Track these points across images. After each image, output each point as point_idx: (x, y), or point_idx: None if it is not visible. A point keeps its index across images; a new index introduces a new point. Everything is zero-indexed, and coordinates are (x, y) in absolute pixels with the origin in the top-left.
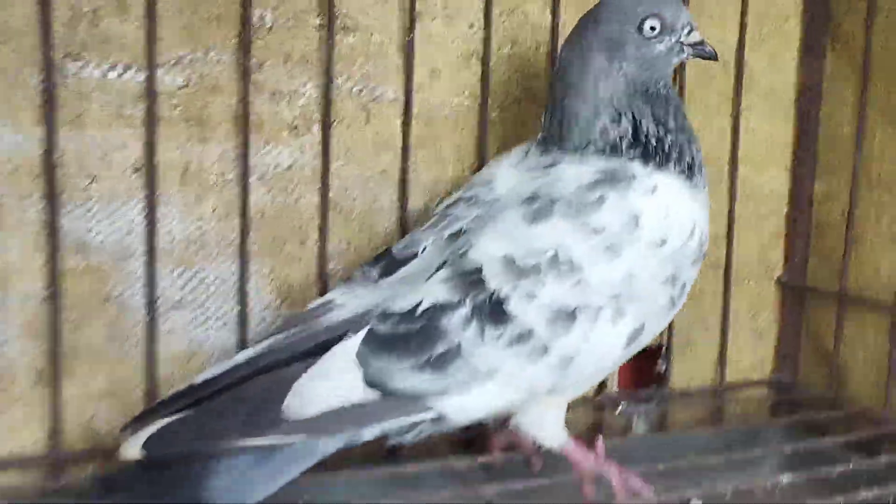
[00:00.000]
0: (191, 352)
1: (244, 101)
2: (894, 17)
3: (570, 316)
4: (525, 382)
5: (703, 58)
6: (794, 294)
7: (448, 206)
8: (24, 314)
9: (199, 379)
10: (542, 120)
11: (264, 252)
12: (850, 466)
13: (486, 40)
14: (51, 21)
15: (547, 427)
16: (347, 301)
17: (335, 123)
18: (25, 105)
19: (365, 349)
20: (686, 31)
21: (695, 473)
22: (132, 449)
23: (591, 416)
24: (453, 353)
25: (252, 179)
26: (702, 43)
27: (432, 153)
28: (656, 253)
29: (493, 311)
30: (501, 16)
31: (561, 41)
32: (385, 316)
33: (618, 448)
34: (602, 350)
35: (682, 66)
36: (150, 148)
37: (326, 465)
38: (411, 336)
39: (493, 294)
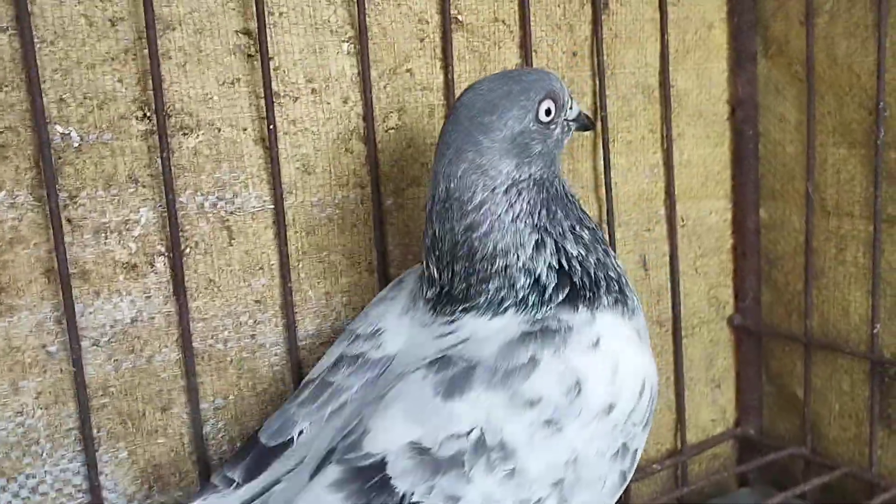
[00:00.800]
0: None
1: (58, 249)
2: (838, 18)
3: None
4: None
5: (585, 129)
6: (750, 337)
7: (328, 371)
8: None
9: None
10: (428, 266)
11: (115, 434)
12: None
13: (368, 114)
14: None
15: None
16: None
17: (187, 251)
18: None
19: None
20: (570, 105)
21: None
22: None
23: None
24: None
25: (86, 345)
26: (580, 114)
27: (319, 265)
28: (604, 422)
29: None
30: (381, 79)
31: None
32: None
33: None
34: None
35: (601, 99)
36: None
37: None
38: None
39: (401, 500)
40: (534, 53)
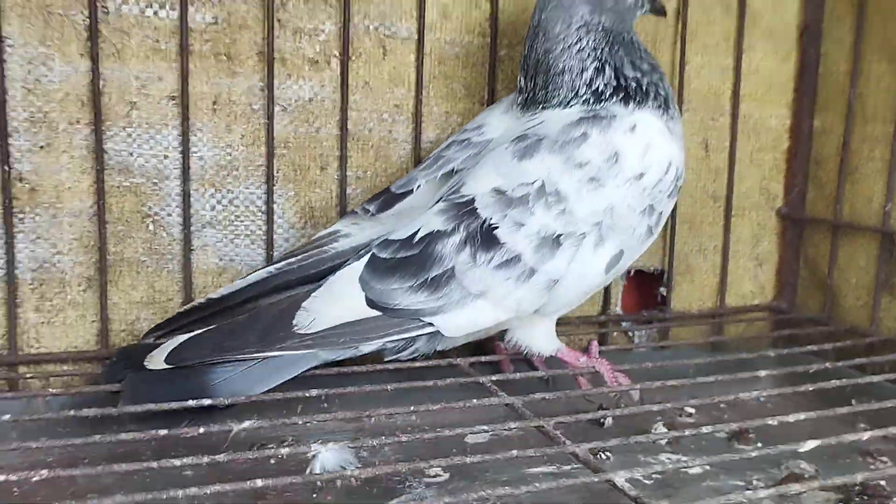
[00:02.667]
0: (222, 266)
1: (269, 38)
2: None
3: (555, 242)
4: (513, 302)
5: (657, 13)
6: (794, 225)
7: (442, 150)
8: (75, 229)
9: (216, 294)
10: (520, 78)
11: (288, 177)
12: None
13: None
14: None
15: (538, 339)
16: (352, 231)
17: (353, 59)
18: (73, 39)
19: (367, 273)
20: None
21: (691, 386)
22: (157, 361)
23: (596, 335)
24: (448, 276)
25: (276, 110)
26: None
27: (444, 88)
28: (635, 186)
29: (485, 238)
30: None
31: None
32: (386, 243)
33: (619, 363)
34: (585, 274)
35: (685, 6)
36: (183, 80)
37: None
38: (409, 261)
39: (484, 222)
40: None
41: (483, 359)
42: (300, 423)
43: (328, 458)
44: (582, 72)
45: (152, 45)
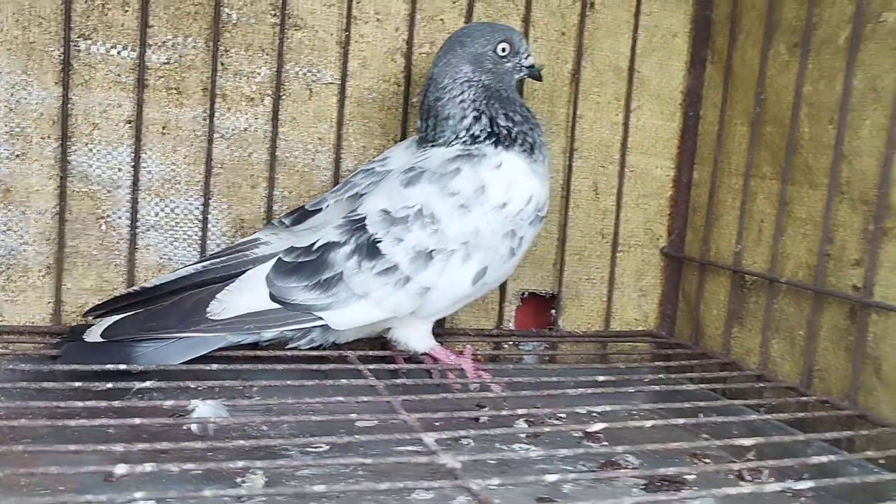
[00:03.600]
0: (161, 264)
1: (212, 78)
2: (753, 35)
3: (428, 256)
4: (391, 304)
5: (533, 78)
6: (673, 262)
7: (351, 176)
8: (39, 224)
9: (149, 284)
10: (418, 120)
11: (223, 193)
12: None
13: (409, 40)
14: (70, 10)
15: (414, 338)
16: (270, 240)
17: (283, 98)
18: (49, 70)
19: (272, 273)
20: (525, 55)
21: (571, 396)
22: (94, 335)
23: (490, 348)
24: (337, 279)
25: (216, 137)
26: (534, 66)
27: (362, 127)
28: (498, 213)
29: (370, 249)
30: (422, 21)
31: None
32: (291, 250)
33: (509, 373)
34: (453, 284)
35: (577, 70)
36: (139, 107)
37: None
38: (307, 265)
39: (370, 236)
40: (532, 28)
41: (371, 353)
42: (192, 387)
43: (204, 410)
44: (462, 118)
45: (114, 79)
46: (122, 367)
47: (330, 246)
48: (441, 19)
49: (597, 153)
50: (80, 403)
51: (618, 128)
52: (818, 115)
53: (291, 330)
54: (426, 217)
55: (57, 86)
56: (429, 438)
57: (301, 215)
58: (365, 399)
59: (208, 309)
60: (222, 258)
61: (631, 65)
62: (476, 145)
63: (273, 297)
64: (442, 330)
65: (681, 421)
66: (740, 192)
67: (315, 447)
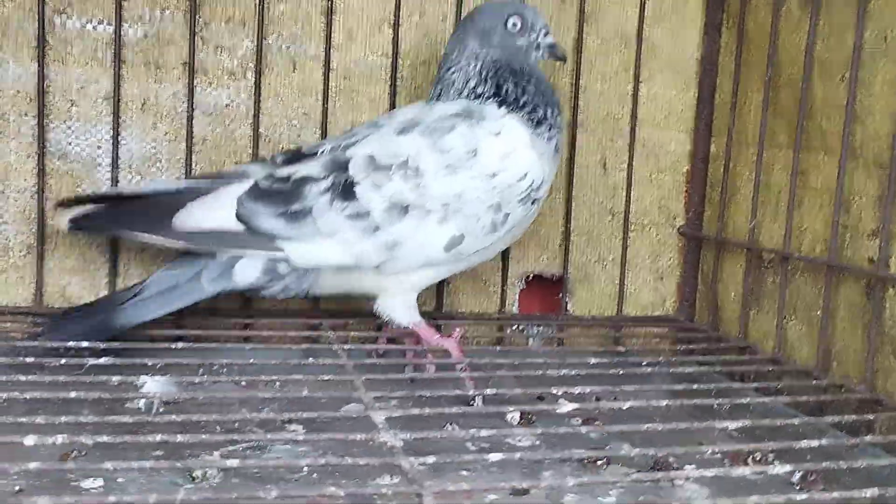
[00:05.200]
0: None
1: (191, 52)
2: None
3: (403, 209)
4: (356, 250)
5: (555, 58)
6: (692, 242)
7: (356, 127)
8: (19, 204)
9: (126, 190)
10: (431, 89)
11: (205, 170)
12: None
13: (397, 9)
14: None
15: (398, 310)
16: (255, 171)
17: (266, 72)
18: (25, 47)
19: (244, 196)
20: (542, 32)
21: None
22: (62, 221)
23: (494, 333)
24: (306, 212)
25: (197, 113)
26: (554, 45)
27: (349, 101)
28: (487, 182)
29: (345, 190)
30: None
31: (465, 13)
32: (269, 177)
33: (516, 360)
34: (424, 244)
35: (580, 39)
36: (116, 83)
37: None
38: (280, 192)
39: (348, 178)
40: None
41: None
42: (149, 363)
43: (152, 386)
44: (466, 82)
45: (91, 54)
46: (84, 343)
47: (306, 179)
48: None
49: (604, 126)
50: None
51: (627, 99)
52: (830, 74)
53: (252, 256)
54: (410, 169)
55: (33, 62)
56: (379, 417)
57: (295, 155)
58: (327, 377)
59: (175, 217)
60: (206, 180)
61: (640, 32)
62: (478, 102)
63: (239, 218)
64: (440, 314)
65: (690, 406)
66: (752, 162)
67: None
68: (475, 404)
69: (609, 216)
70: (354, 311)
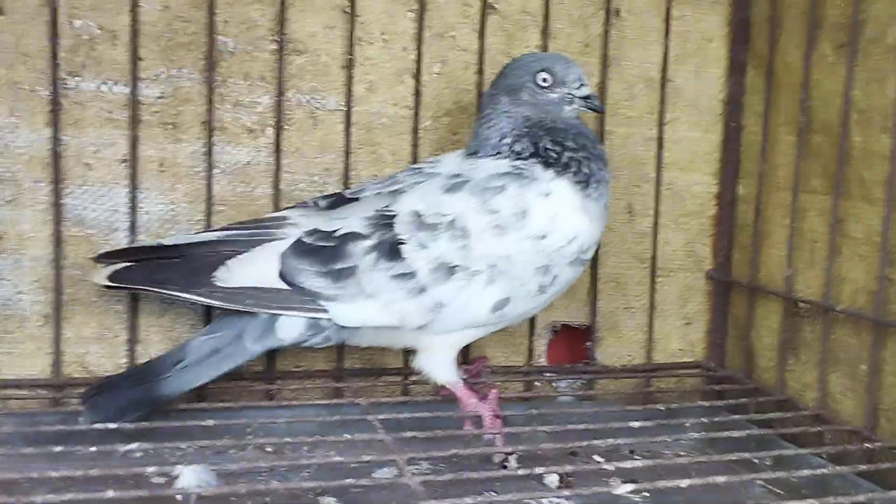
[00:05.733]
0: (164, 308)
1: (210, 110)
2: (795, 35)
3: (449, 270)
4: (398, 311)
5: (591, 110)
6: (721, 287)
7: (398, 172)
8: (35, 272)
9: (166, 241)
10: (468, 143)
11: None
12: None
13: (418, 59)
14: (57, 47)
15: (437, 368)
16: (299, 221)
17: (286, 128)
18: (38, 111)
19: (288, 251)
20: (576, 85)
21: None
22: (100, 278)
23: (521, 386)
24: (350, 272)
25: (216, 172)
26: (589, 97)
27: (371, 154)
28: (536, 244)
29: (391, 249)
30: (432, 39)
31: (487, 62)
32: (313, 232)
33: (543, 411)
34: (469, 305)
35: (603, 83)
36: (133, 145)
37: None
38: (324, 250)
39: (395, 236)
40: (552, 39)
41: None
42: (183, 447)
43: (189, 476)
44: (501, 139)
45: (107, 116)
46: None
47: (352, 236)
48: (452, 36)
49: (630, 171)
50: (55, 472)
51: (652, 143)
52: (870, 122)
53: (292, 315)
54: (457, 229)
55: (47, 126)
56: None
57: (337, 200)
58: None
59: (215, 273)
60: (246, 230)
61: (663, 74)
62: (523, 163)
63: (282, 276)
64: (469, 365)
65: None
66: (789, 208)
67: None
68: (509, 465)
69: (637, 262)
70: (379, 368)
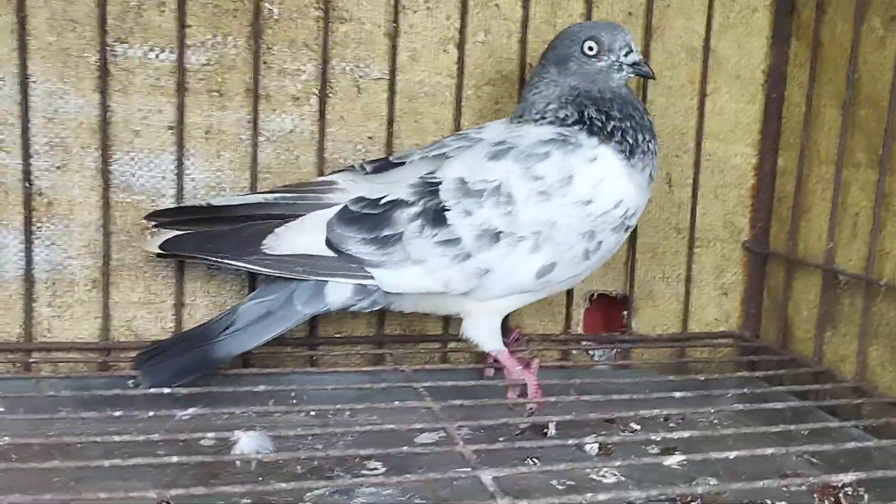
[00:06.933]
0: (210, 274)
1: (255, 77)
2: (843, 7)
3: (494, 237)
4: (444, 277)
5: (641, 76)
6: (757, 258)
7: (445, 138)
8: (84, 237)
9: (216, 201)
10: (515, 109)
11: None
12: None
13: (462, 28)
14: (105, 13)
15: (482, 334)
16: (347, 186)
17: (330, 96)
18: (86, 77)
19: (335, 219)
20: (624, 52)
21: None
22: (153, 246)
23: (558, 354)
24: (395, 238)
25: (261, 140)
26: (639, 63)
27: (414, 123)
28: (580, 210)
29: (436, 216)
30: (476, 7)
31: (530, 31)
32: (359, 199)
33: (580, 378)
34: (514, 273)
35: (646, 52)
36: (180, 112)
37: None
38: (370, 217)
39: (440, 203)
40: (595, 8)
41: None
42: (236, 412)
43: (247, 442)
44: (547, 104)
45: (153, 83)
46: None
47: (397, 203)
48: (496, 5)
49: (670, 142)
50: (116, 438)
51: (692, 113)
52: None
53: (340, 282)
54: (502, 196)
55: (95, 93)
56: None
57: (384, 165)
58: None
59: (264, 242)
60: (294, 194)
61: (706, 44)
62: (568, 129)
63: (329, 243)
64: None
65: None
66: (831, 182)
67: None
68: (549, 432)
69: (674, 232)
70: (420, 334)
